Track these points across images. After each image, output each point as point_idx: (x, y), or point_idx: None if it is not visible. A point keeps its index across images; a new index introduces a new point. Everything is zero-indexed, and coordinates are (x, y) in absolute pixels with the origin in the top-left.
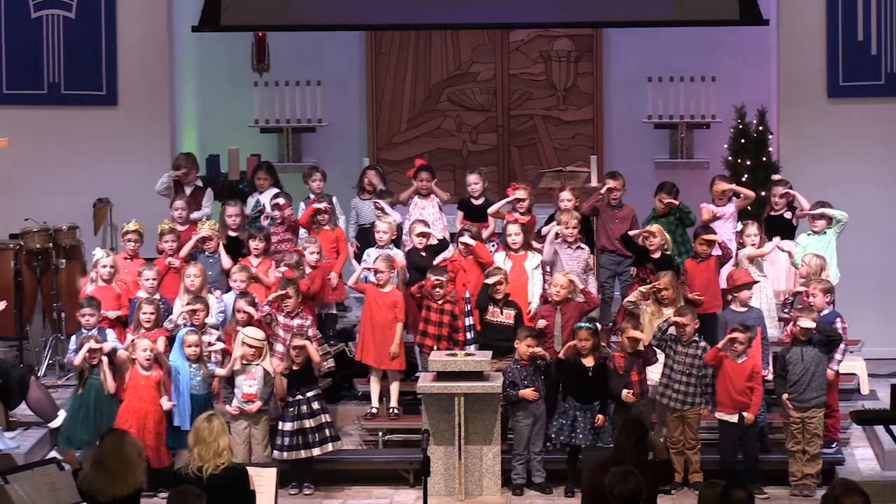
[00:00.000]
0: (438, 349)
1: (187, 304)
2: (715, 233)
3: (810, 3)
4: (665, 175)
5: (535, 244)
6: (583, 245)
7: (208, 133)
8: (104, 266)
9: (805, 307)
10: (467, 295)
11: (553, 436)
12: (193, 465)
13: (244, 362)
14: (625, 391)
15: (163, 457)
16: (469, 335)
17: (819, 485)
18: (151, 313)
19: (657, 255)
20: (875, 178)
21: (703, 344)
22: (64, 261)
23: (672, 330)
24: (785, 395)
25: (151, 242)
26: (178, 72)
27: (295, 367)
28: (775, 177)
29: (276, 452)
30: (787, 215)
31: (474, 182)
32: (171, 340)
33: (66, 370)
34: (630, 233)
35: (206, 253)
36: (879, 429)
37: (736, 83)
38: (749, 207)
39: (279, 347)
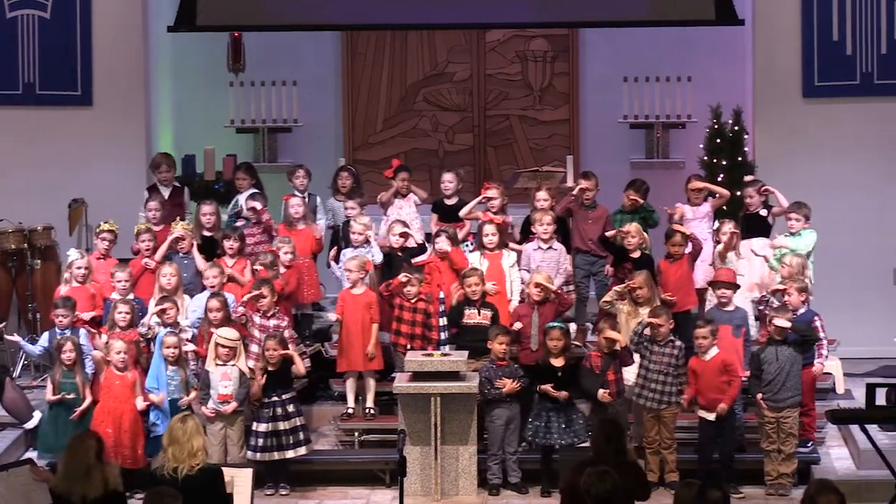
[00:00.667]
0: (412, 348)
1: (156, 303)
2: (682, 227)
3: (785, 3)
4: (640, 175)
5: (512, 245)
6: (556, 245)
7: (184, 133)
8: (78, 267)
9: (780, 306)
10: (441, 295)
11: (529, 437)
12: (168, 465)
13: (219, 363)
14: (601, 391)
15: (139, 458)
16: (443, 335)
17: (795, 484)
18: (127, 313)
19: (636, 254)
20: (851, 178)
21: (678, 343)
22: (39, 261)
23: (647, 331)
24: (759, 395)
25: (126, 243)
26: (154, 72)
27: (271, 369)
28: (748, 178)
29: (249, 453)
30: (763, 213)
31: (448, 181)
32: (148, 343)
33: (40, 370)
34: (606, 234)
35: (181, 254)
36: (855, 428)
37: (711, 83)
38: (724, 207)
39: (254, 348)
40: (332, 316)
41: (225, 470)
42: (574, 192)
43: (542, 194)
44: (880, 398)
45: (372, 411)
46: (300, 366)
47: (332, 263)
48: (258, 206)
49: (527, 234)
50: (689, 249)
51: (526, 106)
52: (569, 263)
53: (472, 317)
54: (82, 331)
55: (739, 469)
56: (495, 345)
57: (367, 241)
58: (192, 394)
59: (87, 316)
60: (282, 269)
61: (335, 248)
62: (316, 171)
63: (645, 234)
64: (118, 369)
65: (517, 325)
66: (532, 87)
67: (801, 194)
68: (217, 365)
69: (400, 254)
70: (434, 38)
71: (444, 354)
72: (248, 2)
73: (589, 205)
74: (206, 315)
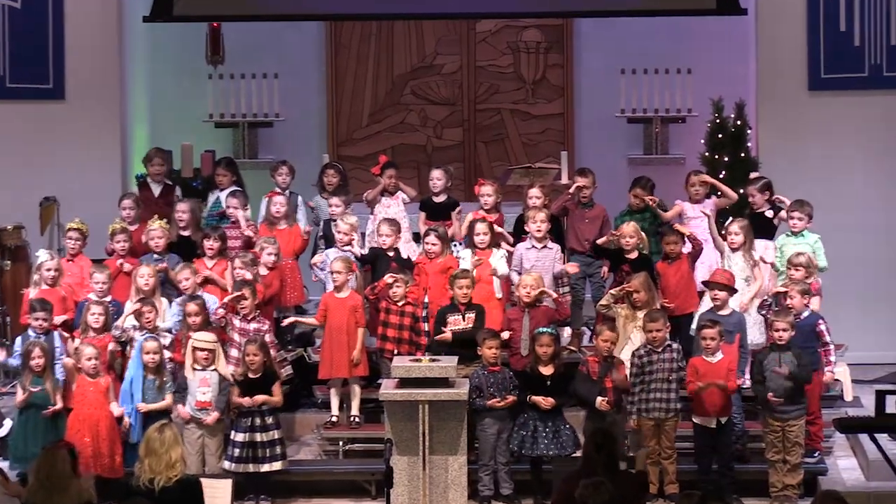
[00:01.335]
0: (399, 354)
1: (133, 306)
2: (682, 227)
3: None
4: (639, 172)
5: (505, 245)
6: (550, 244)
7: (160, 128)
8: (48, 269)
9: (781, 309)
10: (426, 300)
11: (514, 448)
12: (144, 477)
13: (197, 367)
14: (599, 399)
15: (117, 467)
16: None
17: (801, 496)
18: (101, 314)
19: (633, 255)
20: (858, 174)
21: (675, 346)
22: (9, 262)
23: (642, 350)
24: (770, 394)
25: (99, 242)
26: (129, 64)
27: (251, 375)
28: (753, 175)
29: (225, 462)
30: (769, 214)
31: (437, 178)
32: (123, 347)
33: (10, 377)
34: (598, 241)
35: (156, 255)
36: (864, 437)
37: (713, 76)
38: (727, 207)
39: (234, 352)
40: (309, 319)
41: (203, 481)
42: (571, 191)
43: (534, 192)
44: (890, 406)
45: (357, 419)
46: (276, 396)
47: (316, 269)
48: (242, 215)
49: (520, 234)
50: (688, 249)
51: (518, 99)
52: (562, 263)
53: (457, 322)
54: (56, 334)
55: (742, 480)
56: (485, 350)
57: (350, 244)
58: (168, 398)
59: (58, 320)
60: (264, 271)
61: (317, 251)
62: (298, 168)
63: (643, 234)
64: (90, 376)
65: (505, 334)
66: (524, 80)
67: (806, 192)
68: (195, 370)
69: (389, 253)
70: (422, 28)
71: (433, 360)
72: None
73: (586, 203)
74: (183, 319)
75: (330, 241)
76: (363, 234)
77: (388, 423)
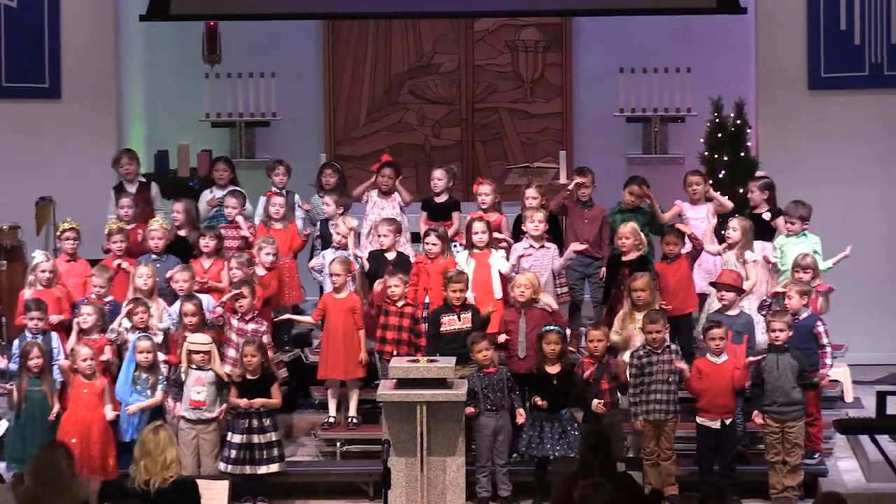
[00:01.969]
0: (399, 355)
1: (126, 306)
2: (684, 227)
3: None
4: (638, 171)
5: (501, 247)
6: (548, 244)
7: (157, 128)
8: (42, 270)
9: (779, 310)
10: (427, 301)
11: (523, 449)
12: (140, 478)
13: (193, 367)
14: (595, 401)
15: (110, 469)
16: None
17: (801, 497)
18: (89, 314)
19: (631, 256)
20: (859, 174)
21: (674, 346)
22: (5, 262)
23: (641, 351)
24: (755, 413)
25: (95, 242)
26: (125, 63)
27: (249, 377)
28: (759, 173)
29: (221, 464)
30: (766, 216)
31: (438, 178)
32: (119, 349)
33: (5, 377)
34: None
35: (154, 256)
36: (864, 438)
37: (712, 75)
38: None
39: (231, 353)
40: (305, 318)
41: (199, 482)
42: (569, 188)
43: (531, 192)
44: (891, 407)
45: (355, 420)
46: (275, 397)
47: (314, 272)
48: (242, 218)
49: (518, 234)
50: (687, 249)
51: (516, 99)
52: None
53: (452, 323)
54: (54, 335)
55: (742, 482)
56: (478, 356)
57: (347, 246)
58: (159, 394)
59: (54, 319)
60: (262, 271)
61: (314, 253)
62: (295, 167)
63: (642, 235)
64: (85, 377)
65: (502, 338)
66: (523, 79)
67: (805, 192)
68: (192, 369)
69: (389, 256)
70: (420, 27)
71: (431, 360)
72: None
73: (585, 203)
74: (180, 319)
75: (327, 241)
76: (358, 235)
77: (385, 424)
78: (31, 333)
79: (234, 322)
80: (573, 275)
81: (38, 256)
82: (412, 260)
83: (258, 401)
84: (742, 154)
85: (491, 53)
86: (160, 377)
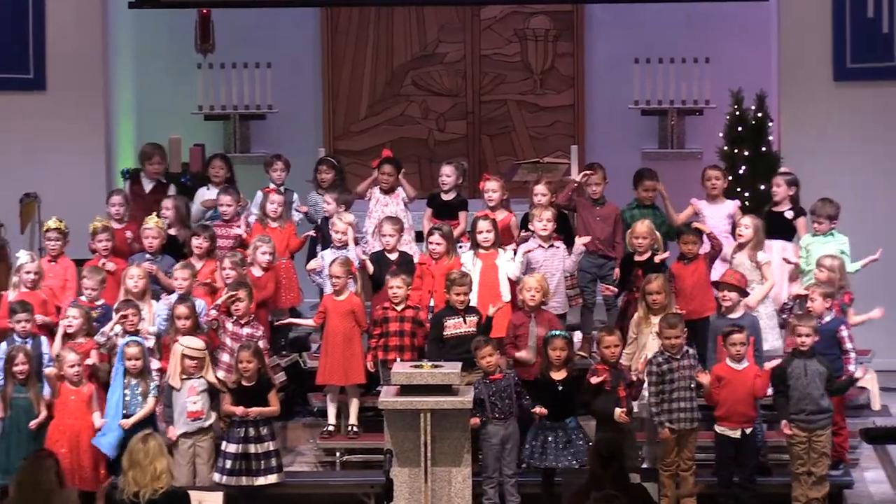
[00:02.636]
0: (402, 360)
1: (116, 308)
2: (702, 225)
3: None
4: (653, 167)
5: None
6: (557, 243)
7: (147, 121)
8: (27, 272)
9: (806, 314)
10: (432, 303)
11: (526, 459)
12: (129, 490)
13: (184, 376)
14: (618, 410)
15: (100, 478)
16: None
17: None
18: (74, 318)
19: (645, 256)
20: (885, 169)
21: (692, 351)
22: None
23: (659, 357)
24: (784, 423)
25: (81, 241)
26: (114, 53)
27: (245, 383)
28: (783, 169)
29: (216, 475)
30: (789, 215)
31: (447, 175)
32: (108, 353)
33: None
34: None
35: (147, 255)
36: (892, 448)
37: (732, 65)
38: (747, 203)
39: (225, 358)
40: (306, 321)
41: (192, 493)
42: (577, 180)
43: (540, 188)
44: None
45: (355, 429)
46: (273, 405)
47: (313, 275)
48: (244, 217)
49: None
50: (705, 249)
51: (525, 90)
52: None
53: (457, 326)
54: (44, 339)
55: (763, 493)
56: (482, 362)
57: (347, 244)
58: (151, 402)
59: (39, 319)
60: (258, 272)
61: (314, 253)
62: (293, 163)
63: (658, 234)
64: (72, 383)
65: (521, 354)
66: (532, 70)
67: (830, 190)
68: (183, 379)
69: (392, 256)
70: (423, 14)
71: (435, 366)
72: None
73: (597, 200)
74: (172, 322)
75: (326, 240)
76: (360, 235)
77: (387, 432)
78: (20, 337)
79: (229, 326)
80: (584, 276)
81: (22, 257)
82: (416, 260)
83: (255, 410)
84: (763, 149)
85: (498, 42)
86: (151, 384)
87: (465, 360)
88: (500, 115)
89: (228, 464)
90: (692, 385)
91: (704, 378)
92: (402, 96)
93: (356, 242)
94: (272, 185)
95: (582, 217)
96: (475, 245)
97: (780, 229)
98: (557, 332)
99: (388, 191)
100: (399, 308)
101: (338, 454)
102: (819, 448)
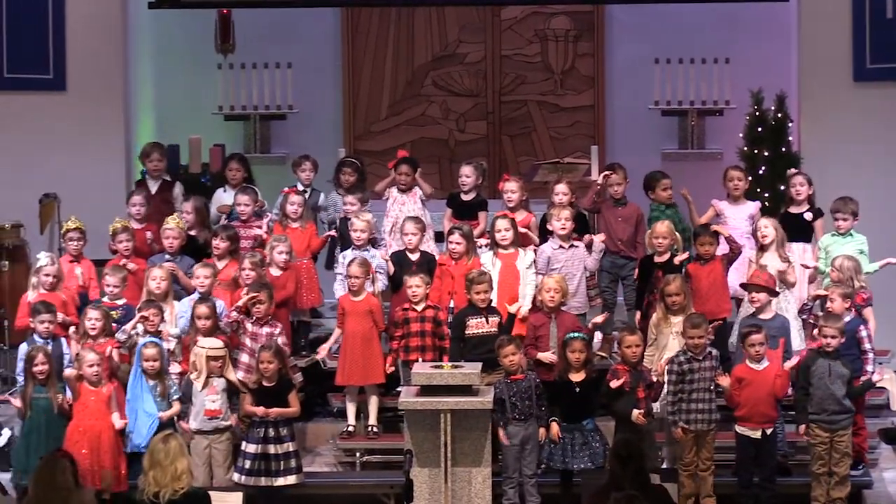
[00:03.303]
0: (424, 361)
1: (138, 309)
2: (721, 228)
3: None
4: (673, 167)
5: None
6: (576, 243)
7: (167, 121)
8: (46, 274)
9: (832, 315)
10: (451, 304)
11: (545, 460)
12: (149, 490)
13: (207, 376)
14: (636, 412)
15: (121, 479)
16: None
17: None
18: (97, 320)
19: (665, 257)
20: None
21: (714, 353)
22: (7, 263)
23: (681, 356)
24: (802, 427)
25: (101, 241)
26: (134, 54)
27: (266, 384)
28: (791, 171)
29: (235, 475)
30: (808, 216)
31: (466, 175)
32: (129, 352)
33: (8, 383)
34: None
35: (167, 256)
36: None
37: (752, 65)
38: (766, 203)
39: (245, 358)
40: (335, 337)
41: (212, 494)
42: (599, 182)
43: (561, 188)
44: None
45: (375, 429)
46: (293, 405)
47: (338, 278)
48: (266, 219)
49: (544, 234)
50: (722, 251)
51: (546, 91)
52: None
53: (479, 326)
54: (64, 340)
55: (783, 494)
56: (504, 361)
57: (369, 243)
58: (175, 406)
59: (60, 317)
60: (276, 271)
61: (333, 254)
62: None
63: (677, 234)
64: (91, 384)
65: (546, 356)
66: (553, 70)
67: (849, 190)
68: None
69: (413, 257)
70: (444, 15)
71: (455, 366)
72: None
73: (618, 201)
74: (192, 322)
75: (346, 240)
76: (377, 236)
77: (407, 433)
78: (42, 338)
79: (249, 326)
80: (605, 277)
81: (42, 259)
82: (437, 259)
83: (275, 410)
84: (783, 149)
85: (519, 43)
86: (171, 387)
87: (487, 361)
88: (521, 116)
89: (248, 464)
90: (711, 387)
91: (724, 381)
92: (422, 96)
93: (374, 244)
94: (299, 186)
95: (604, 218)
96: (494, 245)
97: (798, 230)
98: (576, 335)
99: (405, 190)
100: (419, 308)
101: (357, 454)
102: (841, 448)
